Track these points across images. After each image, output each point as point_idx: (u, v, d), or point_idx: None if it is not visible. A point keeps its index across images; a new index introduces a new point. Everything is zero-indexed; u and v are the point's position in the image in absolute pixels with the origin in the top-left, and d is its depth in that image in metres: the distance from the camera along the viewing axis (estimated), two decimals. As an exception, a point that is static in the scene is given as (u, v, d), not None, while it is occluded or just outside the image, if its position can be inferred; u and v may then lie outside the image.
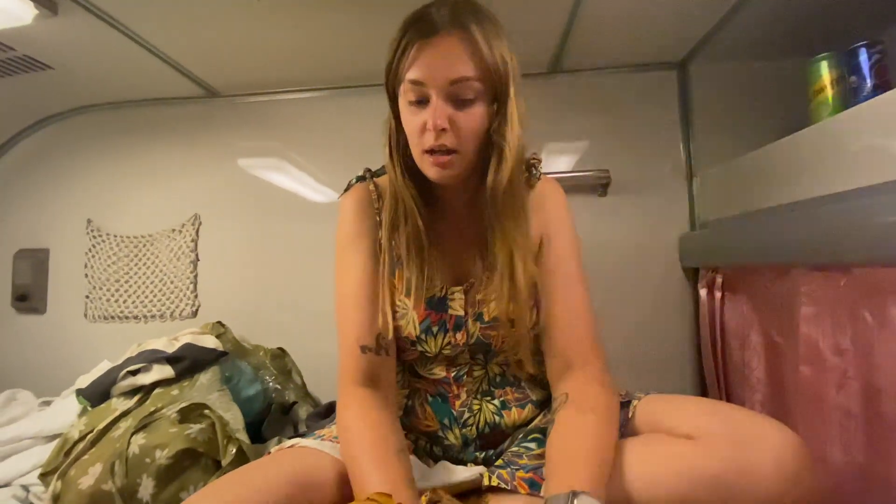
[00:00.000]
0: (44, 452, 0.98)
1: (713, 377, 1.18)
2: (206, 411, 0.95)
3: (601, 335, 0.73)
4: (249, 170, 1.48)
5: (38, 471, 0.93)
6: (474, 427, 0.76)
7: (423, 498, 0.56)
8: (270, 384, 1.18)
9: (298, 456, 0.66)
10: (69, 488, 0.83)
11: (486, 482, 0.64)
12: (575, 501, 0.51)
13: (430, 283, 0.74)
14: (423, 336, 0.74)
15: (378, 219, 0.76)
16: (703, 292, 1.21)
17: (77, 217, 1.52)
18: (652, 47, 1.28)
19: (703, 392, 1.24)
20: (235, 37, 1.18)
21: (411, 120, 0.67)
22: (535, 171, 0.79)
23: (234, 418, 0.97)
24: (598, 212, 1.34)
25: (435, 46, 0.64)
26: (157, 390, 1.03)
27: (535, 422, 0.77)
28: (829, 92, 0.96)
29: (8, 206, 1.56)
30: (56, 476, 0.86)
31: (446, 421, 0.76)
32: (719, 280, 1.16)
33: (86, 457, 0.88)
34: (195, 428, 0.91)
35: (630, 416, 0.68)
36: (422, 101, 0.66)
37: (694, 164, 1.32)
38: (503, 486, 0.62)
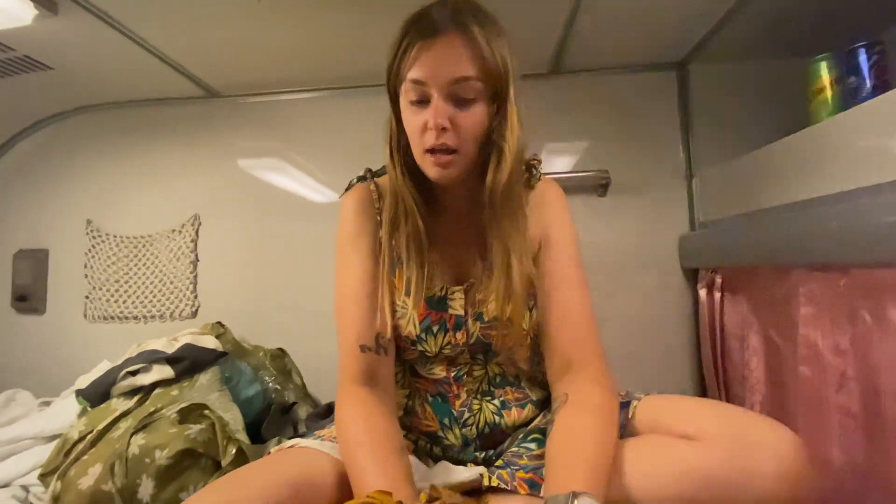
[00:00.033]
0: (43, 453, 0.98)
1: (713, 377, 1.19)
2: (206, 412, 0.95)
3: (601, 336, 0.73)
4: (249, 170, 1.49)
5: (38, 471, 0.93)
6: (474, 427, 0.76)
7: (423, 495, 0.56)
8: (270, 384, 1.18)
9: (298, 456, 0.66)
10: (69, 489, 0.83)
11: (485, 482, 0.64)
12: (575, 502, 0.50)
13: (430, 282, 0.74)
14: (423, 335, 0.74)
15: (378, 218, 0.77)
16: (702, 292, 1.21)
17: (77, 217, 1.52)
18: (652, 48, 1.28)
19: (703, 392, 1.24)
20: (235, 37, 1.18)
21: (412, 120, 0.67)
22: (535, 173, 0.79)
23: (233, 419, 0.97)
24: (597, 212, 1.34)
25: (436, 46, 0.65)
26: (157, 391, 1.03)
27: (535, 422, 0.77)
28: (829, 92, 0.96)
29: (8, 207, 1.56)
30: (56, 476, 0.86)
31: (446, 421, 0.77)
32: (719, 280, 1.16)
33: (85, 457, 0.88)
34: (195, 428, 0.91)
35: (630, 416, 0.68)
36: (423, 101, 0.66)
37: (693, 165, 1.32)
38: (503, 486, 0.62)
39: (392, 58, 0.68)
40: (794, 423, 0.86)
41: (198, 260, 1.46)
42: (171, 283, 1.46)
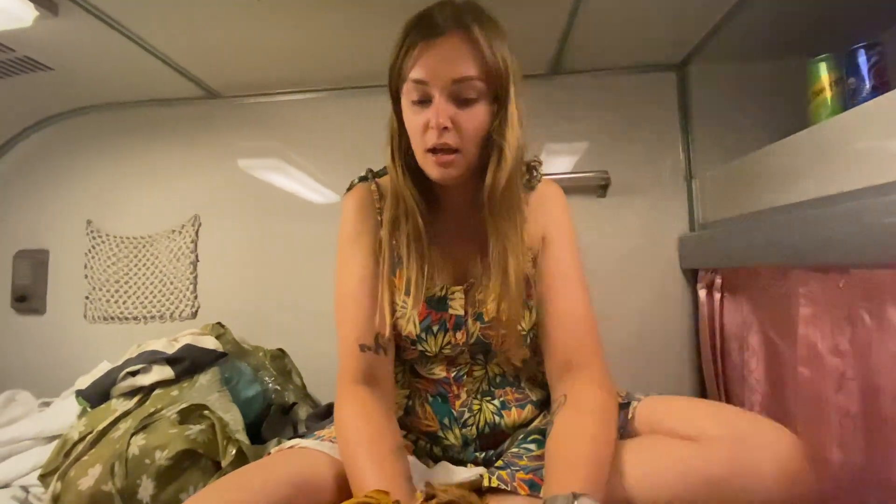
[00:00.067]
0: (43, 453, 0.98)
1: (712, 378, 1.19)
2: (206, 412, 0.95)
3: (600, 336, 0.73)
4: (249, 170, 1.49)
5: (38, 472, 0.93)
6: (474, 427, 0.76)
7: (419, 494, 0.56)
8: (270, 385, 1.18)
9: (298, 457, 0.66)
10: (69, 489, 0.83)
11: (485, 483, 0.64)
12: (575, 503, 0.51)
13: (431, 282, 0.74)
14: (423, 335, 0.74)
15: (379, 219, 0.77)
16: (702, 293, 1.22)
17: (77, 218, 1.52)
18: (651, 48, 1.28)
19: (703, 392, 1.24)
20: (235, 38, 1.18)
21: (414, 119, 0.68)
22: (535, 174, 0.80)
23: (233, 419, 0.97)
24: (597, 213, 1.34)
25: (438, 46, 0.65)
26: (157, 391, 1.03)
27: (535, 423, 0.78)
28: (828, 93, 0.97)
29: (8, 207, 1.56)
30: (56, 477, 0.86)
31: (446, 421, 0.77)
32: (718, 281, 1.17)
33: (85, 458, 0.88)
34: (195, 429, 0.91)
35: (630, 417, 0.68)
36: (424, 101, 0.67)
37: (693, 166, 1.32)
38: (503, 487, 0.62)
39: (394, 58, 0.69)
40: (794, 423, 0.86)
41: (198, 260, 1.46)
42: (171, 283, 1.46)
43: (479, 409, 0.77)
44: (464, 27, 0.66)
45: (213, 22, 1.11)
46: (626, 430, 0.67)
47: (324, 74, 1.39)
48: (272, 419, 1.12)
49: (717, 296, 1.16)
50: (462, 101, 0.66)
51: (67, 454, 0.91)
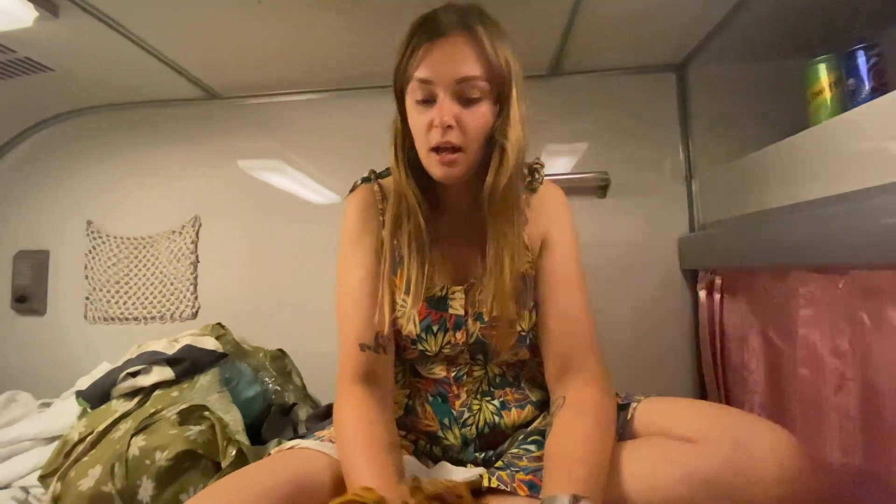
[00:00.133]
0: (43, 454, 0.98)
1: (712, 379, 1.19)
2: (206, 413, 0.95)
3: (600, 337, 0.73)
4: (249, 171, 1.49)
5: (38, 472, 0.93)
6: (474, 427, 0.76)
7: (405, 488, 0.56)
8: (270, 386, 1.18)
9: (298, 457, 0.66)
10: (69, 490, 0.83)
11: (485, 483, 0.64)
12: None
13: (431, 282, 0.75)
14: (423, 335, 0.75)
15: (381, 219, 0.77)
16: (702, 294, 1.22)
17: (77, 218, 1.52)
18: (651, 49, 1.29)
19: (703, 393, 1.24)
20: (235, 38, 1.19)
21: (418, 118, 0.69)
22: (537, 176, 0.80)
23: (233, 420, 0.97)
24: (597, 213, 1.34)
25: (443, 46, 0.66)
26: (157, 392, 1.03)
27: (535, 423, 0.78)
28: (828, 94, 0.97)
29: (8, 208, 1.56)
30: (56, 478, 0.86)
31: (446, 421, 0.77)
32: (718, 282, 1.17)
33: (85, 458, 0.88)
34: (195, 429, 0.91)
35: (629, 418, 0.68)
36: (429, 101, 0.67)
37: (693, 166, 1.33)
38: (503, 487, 0.62)
39: (399, 58, 0.70)
40: (794, 424, 0.86)
41: (198, 261, 1.47)
42: (172, 284, 1.46)
43: (479, 409, 0.77)
44: (468, 28, 0.67)
45: (213, 23, 1.11)
46: (625, 432, 0.67)
47: (324, 75, 1.39)
48: (272, 420, 1.12)
49: (717, 296, 1.16)
50: (466, 101, 0.67)
51: (67, 455, 0.91)
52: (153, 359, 1.07)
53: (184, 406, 0.95)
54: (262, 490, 0.58)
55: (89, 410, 1.05)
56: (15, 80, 1.30)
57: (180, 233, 1.47)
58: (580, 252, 0.78)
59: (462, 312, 0.76)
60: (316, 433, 0.74)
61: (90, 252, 1.50)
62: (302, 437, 0.75)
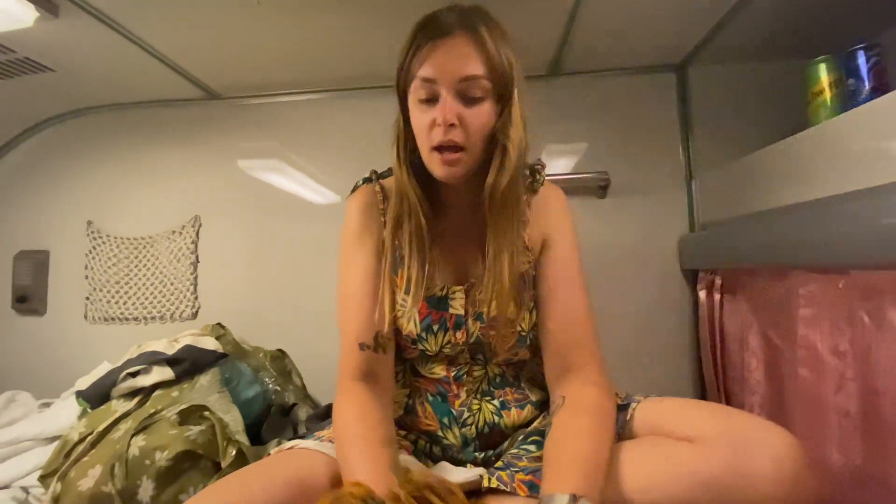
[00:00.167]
0: (43, 454, 0.98)
1: (712, 379, 1.19)
2: (206, 413, 0.95)
3: (600, 337, 0.73)
4: (249, 171, 1.49)
5: (38, 472, 0.93)
6: (473, 427, 0.76)
7: (395, 481, 0.56)
8: (270, 386, 1.18)
9: (298, 457, 0.66)
10: (69, 490, 0.83)
11: (485, 484, 0.64)
12: None
13: (432, 281, 0.75)
14: (423, 334, 0.75)
15: (382, 219, 0.78)
16: (702, 294, 1.22)
17: (77, 218, 1.52)
18: (651, 50, 1.29)
19: (703, 393, 1.24)
20: (235, 39, 1.19)
21: (421, 117, 0.69)
22: (538, 177, 0.80)
23: (233, 420, 0.97)
24: (597, 214, 1.34)
25: (446, 46, 0.67)
26: (157, 392, 1.03)
27: (535, 424, 0.78)
28: (828, 94, 0.97)
29: (8, 208, 1.56)
30: (56, 478, 0.86)
31: (446, 420, 0.77)
32: (718, 282, 1.17)
33: (85, 458, 0.88)
34: (195, 430, 0.91)
35: (628, 418, 0.68)
36: (431, 100, 0.68)
37: (693, 166, 1.32)
38: (502, 487, 0.62)
39: (403, 58, 0.70)
40: (794, 424, 0.86)
41: (198, 261, 1.47)
42: (172, 284, 1.46)
43: (479, 409, 0.77)
44: (471, 28, 0.68)
45: (214, 23, 1.11)
46: (624, 432, 0.67)
47: (324, 75, 1.39)
48: (272, 420, 1.12)
49: (717, 296, 1.16)
50: (468, 100, 0.67)
51: (67, 455, 0.91)
52: (153, 359, 1.07)
53: (184, 406, 0.95)
54: (262, 490, 0.58)
55: (89, 410, 1.05)
56: (15, 81, 1.30)
57: (180, 233, 1.47)
58: (580, 253, 0.78)
59: (462, 312, 0.76)
60: (316, 433, 0.74)
61: (90, 252, 1.50)
62: (302, 437, 0.75)
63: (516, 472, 0.65)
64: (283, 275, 1.44)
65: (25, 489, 0.97)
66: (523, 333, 0.76)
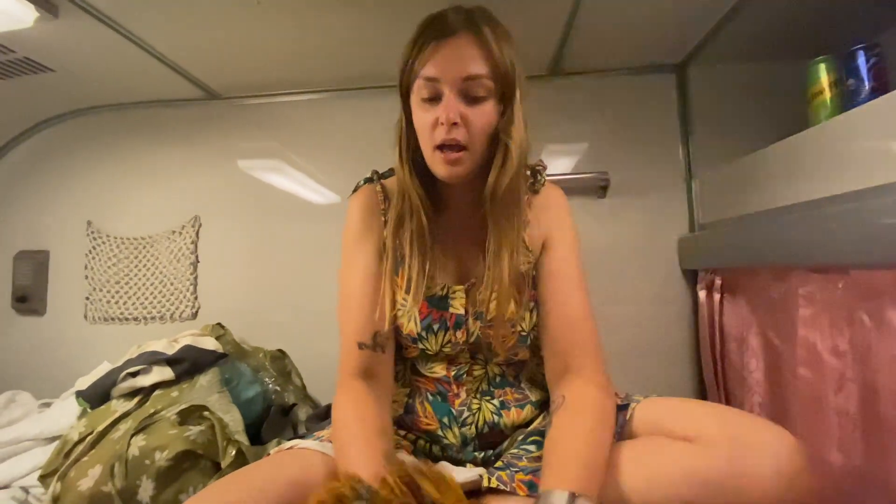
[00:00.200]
0: (43, 454, 0.98)
1: (712, 379, 1.19)
2: (206, 413, 0.95)
3: (600, 338, 0.73)
4: (249, 171, 1.49)
5: (38, 472, 0.93)
6: (473, 426, 0.76)
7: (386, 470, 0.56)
8: (270, 386, 1.18)
9: (298, 458, 0.66)
10: (69, 490, 0.83)
11: (485, 484, 0.64)
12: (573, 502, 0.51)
13: (432, 281, 0.75)
14: (423, 333, 0.75)
15: (383, 219, 0.78)
16: (701, 294, 1.22)
17: (77, 218, 1.52)
18: (651, 50, 1.29)
19: (703, 393, 1.24)
20: (235, 39, 1.19)
21: (423, 117, 0.69)
22: (539, 178, 0.80)
23: (233, 420, 0.97)
24: (597, 214, 1.34)
25: (450, 45, 0.67)
26: (157, 392, 1.03)
27: (535, 424, 0.78)
28: (828, 94, 0.97)
29: (8, 208, 1.56)
30: (56, 478, 0.86)
31: (446, 420, 0.77)
32: (718, 282, 1.17)
33: (85, 458, 0.88)
34: (195, 430, 0.91)
35: (628, 418, 0.68)
36: (434, 99, 0.68)
37: (693, 167, 1.32)
38: (502, 487, 0.62)
39: (406, 57, 0.71)
40: (793, 424, 0.86)
41: (198, 261, 1.47)
42: (172, 284, 1.46)
43: (479, 409, 0.77)
44: (475, 28, 0.68)
45: (213, 23, 1.11)
46: (624, 432, 0.67)
47: (324, 75, 1.39)
48: (272, 420, 1.12)
49: (717, 296, 1.16)
50: (471, 99, 0.68)
51: (67, 455, 0.91)
52: (153, 359, 1.07)
53: (184, 406, 0.95)
54: (262, 490, 0.58)
55: (89, 410, 1.05)
56: (15, 81, 1.30)
57: (180, 233, 1.47)
58: (581, 253, 0.78)
59: (462, 312, 0.76)
60: (316, 433, 0.74)
61: (90, 252, 1.50)
62: (302, 437, 0.75)
63: (516, 472, 0.65)
64: (283, 275, 1.44)
65: (25, 489, 0.97)
66: (524, 333, 0.76)
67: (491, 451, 0.77)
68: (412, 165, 0.73)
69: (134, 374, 1.05)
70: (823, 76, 0.97)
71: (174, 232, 1.47)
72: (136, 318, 1.47)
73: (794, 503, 0.54)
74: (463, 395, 0.78)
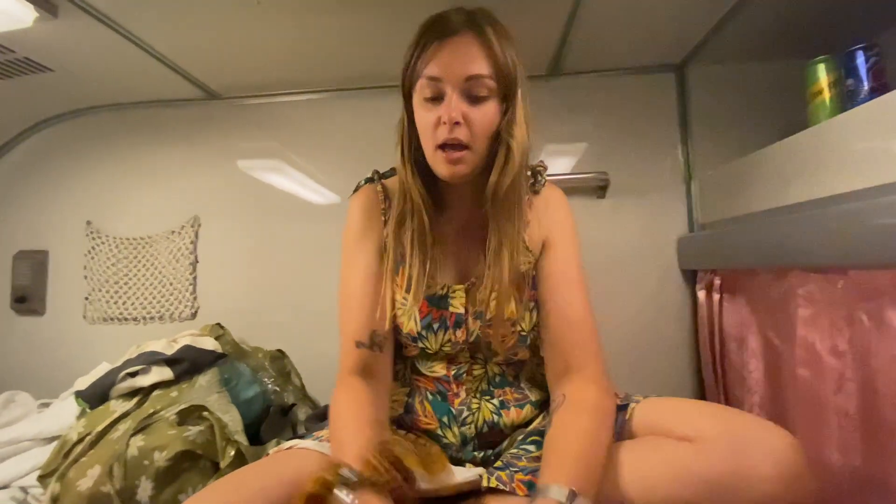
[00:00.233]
0: (42, 454, 0.98)
1: (711, 379, 1.19)
2: (205, 413, 0.95)
3: (601, 338, 0.73)
4: (249, 171, 1.49)
5: (37, 473, 0.93)
6: (473, 426, 0.76)
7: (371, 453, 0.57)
8: (269, 386, 1.17)
9: (297, 458, 0.66)
10: (68, 490, 0.83)
11: (484, 483, 0.64)
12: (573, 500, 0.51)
13: (433, 280, 0.75)
14: (423, 332, 0.75)
15: (384, 219, 0.79)
16: (701, 294, 1.22)
17: (77, 218, 1.52)
18: (650, 50, 1.29)
19: (702, 394, 1.24)
20: (235, 39, 1.19)
21: (425, 116, 0.69)
22: (540, 178, 0.81)
23: (232, 420, 0.97)
24: (596, 214, 1.34)
25: (452, 45, 0.68)
26: (156, 392, 1.03)
27: (535, 424, 0.78)
28: (827, 94, 0.97)
29: (7, 208, 1.56)
30: (55, 478, 0.86)
31: (445, 419, 0.77)
32: (717, 282, 1.17)
33: (84, 459, 0.88)
34: (194, 430, 0.91)
35: (627, 418, 0.68)
36: (437, 98, 0.69)
37: (692, 167, 1.32)
38: (502, 487, 0.62)
39: (409, 57, 0.71)
40: (793, 424, 0.86)
41: (197, 261, 1.47)
42: (171, 284, 1.46)
43: (478, 408, 0.77)
44: (477, 28, 0.68)
45: (214, 23, 1.11)
46: (623, 432, 0.67)
47: (323, 75, 1.39)
48: (271, 420, 1.12)
49: (716, 297, 1.16)
50: (474, 99, 0.68)
51: (66, 455, 0.91)
52: (152, 359, 1.07)
53: (183, 406, 0.95)
54: (261, 490, 0.58)
55: (88, 411, 1.05)
56: (14, 81, 1.30)
57: (179, 233, 1.47)
58: (581, 254, 0.78)
59: (462, 311, 0.76)
60: (315, 433, 0.74)
61: (89, 252, 1.50)
62: (301, 437, 0.75)
63: (515, 472, 0.65)
64: (283, 275, 1.44)
65: (24, 489, 0.97)
66: (524, 333, 0.76)
67: (490, 451, 0.77)
68: (414, 165, 0.73)
69: (133, 375, 1.05)
70: (823, 76, 0.97)
71: (173, 232, 1.47)
72: (135, 319, 1.47)
73: (792, 503, 0.54)
74: (463, 394, 0.78)
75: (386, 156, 0.80)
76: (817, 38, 1.08)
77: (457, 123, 0.67)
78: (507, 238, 0.71)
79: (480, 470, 0.68)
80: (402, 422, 0.79)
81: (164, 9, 1.05)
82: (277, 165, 1.47)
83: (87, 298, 1.49)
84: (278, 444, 0.78)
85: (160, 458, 0.85)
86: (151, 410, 0.96)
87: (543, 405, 0.79)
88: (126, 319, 1.47)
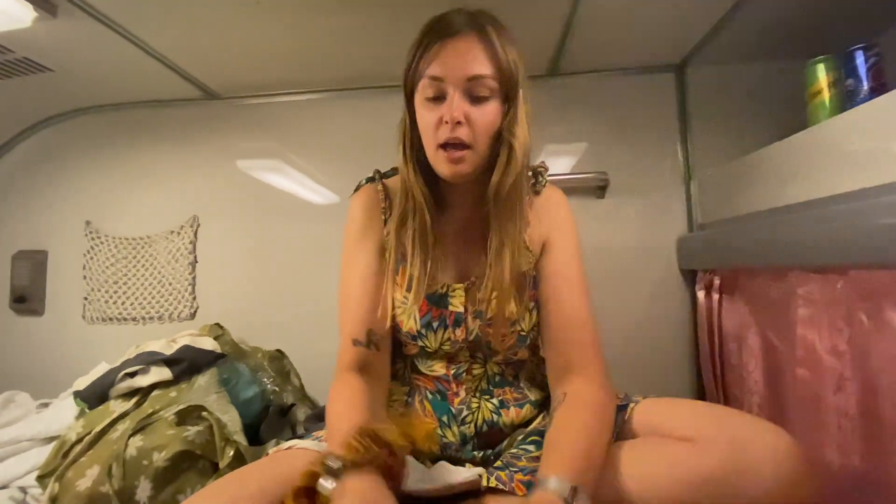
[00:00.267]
0: (41, 454, 0.98)
1: (711, 379, 1.19)
2: (204, 413, 0.95)
3: (601, 338, 0.73)
4: (248, 171, 1.49)
5: (36, 473, 0.93)
6: (472, 425, 0.76)
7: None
8: (268, 386, 1.17)
9: (296, 458, 0.66)
10: (66, 490, 0.83)
11: (484, 483, 0.64)
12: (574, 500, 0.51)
13: (433, 279, 0.76)
14: (423, 331, 0.76)
15: (384, 218, 0.79)
16: (700, 294, 1.22)
17: (76, 219, 1.52)
18: (650, 50, 1.29)
19: (701, 394, 1.24)
20: (234, 39, 1.19)
21: (427, 116, 0.70)
22: (541, 179, 0.81)
23: (231, 420, 0.97)
24: (596, 214, 1.34)
25: (454, 45, 0.68)
26: (155, 392, 1.03)
27: (534, 423, 0.78)
28: (826, 94, 0.97)
29: (7, 208, 1.56)
30: (53, 478, 0.85)
31: (445, 418, 0.77)
32: (717, 282, 1.17)
33: (83, 459, 0.87)
34: (193, 430, 0.91)
35: (627, 418, 0.68)
36: (439, 98, 0.69)
37: (692, 166, 1.33)
38: (501, 487, 0.62)
39: (411, 57, 0.71)
40: (792, 424, 0.86)
41: (196, 261, 1.46)
42: (170, 284, 1.46)
43: (478, 408, 0.77)
44: (479, 28, 0.69)
45: (213, 23, 1.11)
46: (623, 432, 0.67)
47: (323, 76, 1.39)
48: (270, 420, 1.12)
49: (716, 296, 1.16)
50: (475, 99, 0.68)
51: (65, 455, 0.91)
52: (151, 359, 1.07)
53: (182, 406, 0.95)
54: (260, 490, 0.58)
55: (87, 411, 1.05)
56: (14, 81, 1.30)
57: (179, 233, 1.47)
58: (581, 254, 0.78)
59: (462, 310, 0.76)
60: (314, 433, 0.74)
61: (89, 252, 1.50)
62: (300, 437, 0.75)
63: (515, 471, 0.65)
64: (282, 275, 1.44)
65: (23, 489, 0.97)
66: (523, 333, 0.76)
67: (490, 451, 0.76)
68: (416, 165, 0.74)
69: (132, 375, 1.05)
70: (822, 76, 0.97)
71: (173, 232, 1.47)
72: (134, 319, 1.47)
73: (792, 503, 0.54)
74: (462, 393, 0.78)
75: (386, 156, 0.80)
76: (817, 38, 1.08)
77: (459, 123, 0.67)
78: (508, 238, 0.71)
79: (480, 470, 0.68)
80: (402, 422, 0.79)
81: (164, 9, 1.05)
82: (277, 165, 1.47)
83: (86, 298, 1.49)
84: (278, 444, 0.78)
85: (159, 459, 0.85)
86: (150, 410, 0.96)
87: (543, 405, 0.79)
88: (125, 319, 1.47)
